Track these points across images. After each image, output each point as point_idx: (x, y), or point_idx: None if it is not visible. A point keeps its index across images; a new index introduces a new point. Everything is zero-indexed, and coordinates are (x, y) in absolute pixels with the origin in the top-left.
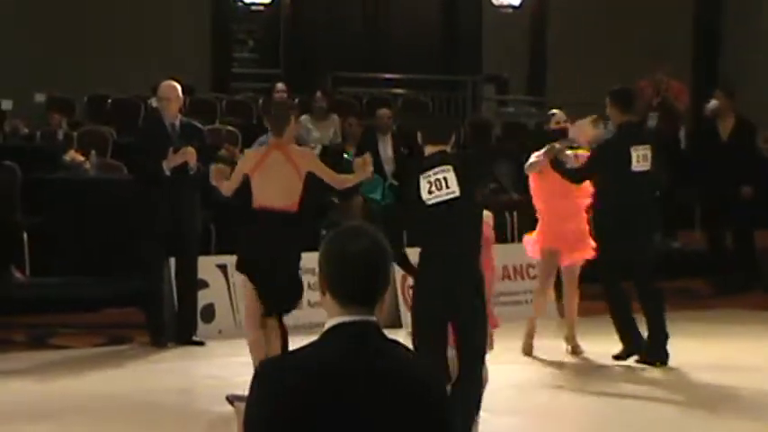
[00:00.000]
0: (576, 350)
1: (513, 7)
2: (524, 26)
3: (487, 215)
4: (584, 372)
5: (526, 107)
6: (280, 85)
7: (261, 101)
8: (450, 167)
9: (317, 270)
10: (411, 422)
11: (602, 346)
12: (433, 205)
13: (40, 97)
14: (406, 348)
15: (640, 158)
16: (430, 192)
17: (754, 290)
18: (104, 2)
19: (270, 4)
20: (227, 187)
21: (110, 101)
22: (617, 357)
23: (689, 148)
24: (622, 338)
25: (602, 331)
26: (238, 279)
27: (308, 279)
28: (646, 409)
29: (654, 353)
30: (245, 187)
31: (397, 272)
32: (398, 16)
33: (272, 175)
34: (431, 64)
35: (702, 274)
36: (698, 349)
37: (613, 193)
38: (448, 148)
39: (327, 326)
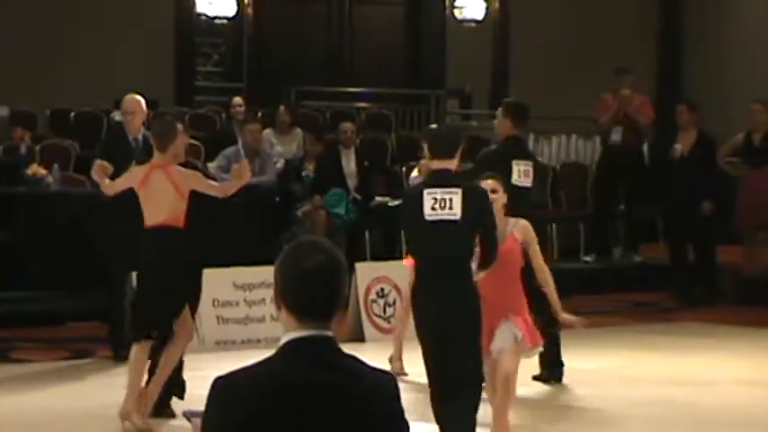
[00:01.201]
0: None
1: (476, 21)
2: (487, 40)
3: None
4: (548, 387)
5: (489, 121)
6: (237, 100)
7: (224, 114)
8: (458, 191)
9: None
10: None
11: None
12: (432, 222)
13: (2, 111)
14: (362, 362)
15: (522, 173)
16: (432, 208)
17: (716, 303)
18: (68, 15)
19: (233, 17)
20: (108, 186)
21: (72, 114)
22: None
23: (651, 161)
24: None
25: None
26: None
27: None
28: (612, 422)
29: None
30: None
31: (360, 286)
32: (362, 30)
33: (155, 193)
34: (394, 78)
35: (665, 287)
36: (662, 362)
37: None
38: (454, 164)
39: (283, 340)
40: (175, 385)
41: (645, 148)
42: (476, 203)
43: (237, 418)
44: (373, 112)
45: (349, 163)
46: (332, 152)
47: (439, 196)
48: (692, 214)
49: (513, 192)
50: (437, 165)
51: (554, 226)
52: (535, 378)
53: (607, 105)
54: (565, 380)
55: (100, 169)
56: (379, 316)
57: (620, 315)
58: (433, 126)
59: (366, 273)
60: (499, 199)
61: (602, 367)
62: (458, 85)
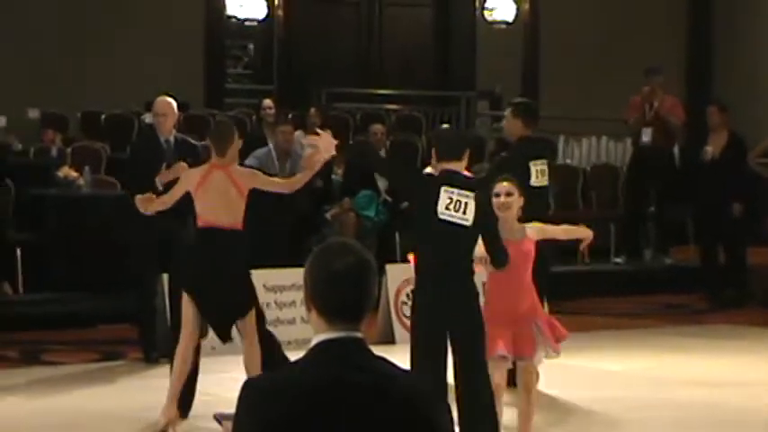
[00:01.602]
0: None
1: (507, 23)
2: (517, 42)
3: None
4: (571, 385)
5: None
6: (267, 102)
7: (254, 116)
8: (473, 196)
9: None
10: None
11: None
12: (443, 221)
13: (33, 113)
14: (392, 365)
15: (539, 174)
16: (447, 207)
17: (747, 305)
18: (99, 17)
19: (263, 20)
20: (161, 203)
21: (103, 117)
22: None
23: (682, 163)
24: None
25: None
26: (184, 297)
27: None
28: (640, 424)
29: None
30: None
31: (391, 288)
32: (392, 32)
33: (216, 194)
34: (424, 80)
35: (695, 289)
36: (690, 364)
37: None
38: (462, 166)
39: (313, 342)
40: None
41: (676, 149)
42: (482, 208)
43: (267, 420)
44: (403, 114)
45: None
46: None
47: (455, 197)
48: (723, 216)
49: (532, 193)
50: (445, 167)
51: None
52: None
53: (637, 107)
54: (594, 381)
55: (145, 202)
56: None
57: (650, 317)
58: (443, 127)
59: (396, 274)
60: (515, 202)
61: (630, 369)
62: (488, 87)
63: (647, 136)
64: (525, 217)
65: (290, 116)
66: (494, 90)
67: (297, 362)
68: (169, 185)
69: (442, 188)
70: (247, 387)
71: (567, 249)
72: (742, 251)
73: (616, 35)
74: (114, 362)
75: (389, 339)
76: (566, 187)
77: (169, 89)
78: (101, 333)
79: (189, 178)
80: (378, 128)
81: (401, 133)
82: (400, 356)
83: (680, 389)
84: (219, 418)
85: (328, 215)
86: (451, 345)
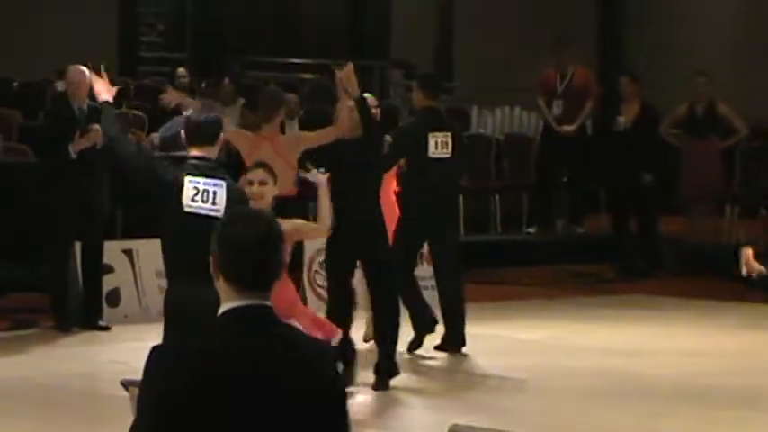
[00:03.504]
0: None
1: None
2: (432, 11)
3: None
4: (484, 354)
5: None
6: (181, 70)
7: (168, 85)
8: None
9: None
10: (304, 406)
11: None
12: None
13: None
14: (299, 331)
15: (439, 145)
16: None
17: (658, 275)
18: None
19: None
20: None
21: (15, 84)
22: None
23: (594, 133)
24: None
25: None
26: None
27: None
28: (554, 392)
29: (453, 341)
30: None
31: (306, 257)
32: (307, 1)
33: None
34: (339, 49)
35: (607, 258)
36: (604, 333)
37: (412, 179)
38: (214, 151)
39: (221, 310)
40: None
41: (588, 120)
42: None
43: (173, 386)
44: (318, 83)
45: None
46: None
47: (201, 187)
48: (635, 186)
49: (431, 164)
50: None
51: (497, 197)
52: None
53: (549, 79)
54: (506, 349)
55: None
56: (321, 286)
57: (562, 287)
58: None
59: (310, 244)
60: (269, 191)
61: (542, 338)
62: (402, 56)
63: (558, 108)
64: (427, 189)
65: (203, 85)
66: (408, 59)
67: (204, 329)
68: (83, 152)
69: (186, 178)
70: (154, 353)
71: (480, 219)
72: (653, 221)
73: (530, 4)
74: (26, 330)
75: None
76: (478, 157)
77: (82, 56)
78: (12, 301)
79: (241, 142)
80: (291, 97)
81: (315, 103)
82: None
83: (592, 357)
84: (126, 384)
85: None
86: None
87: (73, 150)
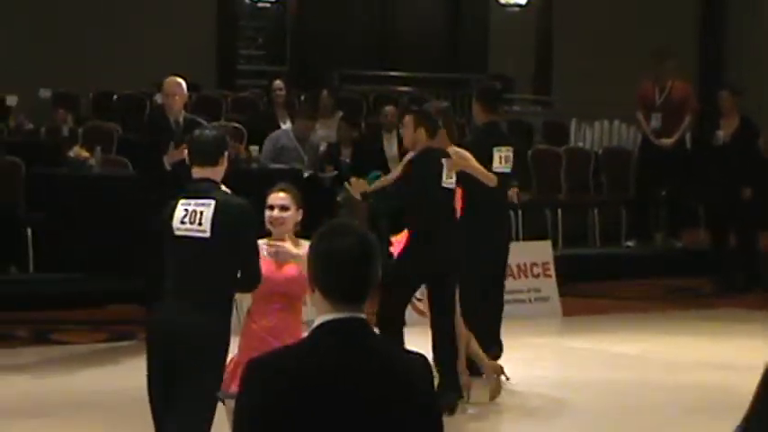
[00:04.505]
0: None
1: (520, 6)
2: (530, 25)
3: None
4: (582, 368)
5: (532, 106)
6: (277, 83)
7: (265, 98)
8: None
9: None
10: (399, 420)
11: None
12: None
13: (45, 93)
14: (394, 345)
15: (502, 160)
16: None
17: (757, 289)
18: None
19: (276, 1)
20: None
21: (115, 97)
22: None
23: (693, 147)
24: None
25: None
26: None
27: None
28: (652, 408)
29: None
30: None
31: None
32: (405, 14)
33: None
34: (437, 62)
35: (706, 272)
36: (702, 348)
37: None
38: (218, 172)
39: (316, 323)
40: None
41: (687, 135)
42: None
43: (270, 401)
44: (416, 96)
45: (391, 147)
46: (373, 136)
47: (191, 208)
48: (734, 200)
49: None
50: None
51: (596, 211)
52: None
53: (647, 91)
54: (603, 364)
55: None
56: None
57: (660, 300)
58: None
59: None
60: (291, 218)
61: (642, 352)
62: (500, 70)
63: (656, 121)
64: (491, 205)
65: (302, 98)
66: (505, 73)
67: (301, 342)
68: (177, 166)
69: (180, 201)
70: (251, 366)
71: (579, 233)
72: (753, 235)
73: (628, 17)
74: (123, 342)
75: None
76: (577, 171)
77: (181, 70)
78: (110, 313)
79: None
80: (389, 109)
81: None
82: (407, 337)
83: (692, 372)
84: (223, 398)
85: (339, 198)
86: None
87: (167, 162)
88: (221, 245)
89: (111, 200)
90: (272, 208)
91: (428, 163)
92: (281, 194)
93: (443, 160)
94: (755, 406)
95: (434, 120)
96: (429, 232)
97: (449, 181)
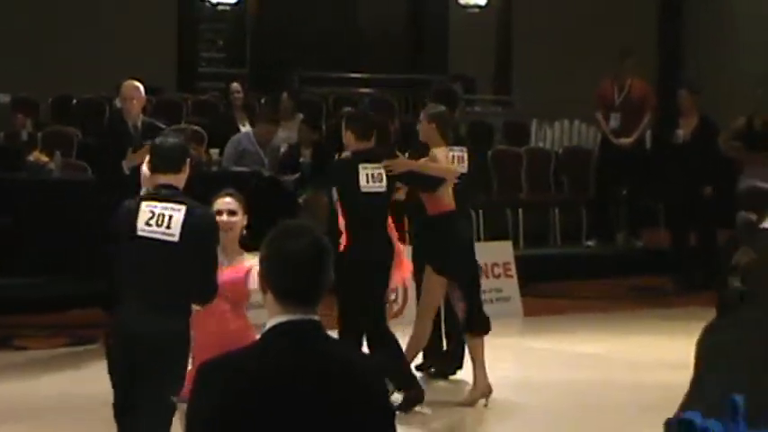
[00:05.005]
0: None
1: (479, 6)
2: (490, 25)
3: None
4: (543, 368)
5: (493, 107)
6: (235, 86)
7: (225, 101)
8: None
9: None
10: (360, 423)
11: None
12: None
13: (3, 98)
14: (348, 347)
15: (456, 160)
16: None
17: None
18: (72, 1)
19: (236, 3)
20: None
21: (74, 101)
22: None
23: (653, 146)
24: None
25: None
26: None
27: None
28: (614, 407)
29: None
30: None
31: None
32: (365, 15)
33: None
34: (397, 63)
35: (666, 271)
36: (663, 347)
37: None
38: (180, 179)
39: (268, 325)
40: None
41: (647, 134)
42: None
43: (229, 401)
44: (376, 97)
45: None
46: (335, 138)
47: (158, 211)
48: (694, 199)
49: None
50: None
51: (556, 211)
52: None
53: (606, 91)
54: (565, 364)
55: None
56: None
57: (621, 300)
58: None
59: None
60: (238, 223)
61: (604, 352)
62: (460, 71)
63: (615, 121)
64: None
65: (262, 101)
66: (466, 74)
67: (252, 345)
68: (135, 170)
69: (143, 203)
70: (202, 369)
71: (540, 233)
72: (713, 234)
73: (588, 18)
74: (85, 346)
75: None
76: (538, 171)
77: (141, 73)
78: (71, 317)
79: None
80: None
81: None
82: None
83: (653, 371)
84: (177, 401)
85: (300, 200)
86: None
87: (126, 166)
88: (187, 250)
89: (72, 204)
90: (220, 213)
91: (342, 168)
92: (228, 199)
93: (377, 165)
94: (695, 380)
95: (366, 122)
96: (354, 234)
97: (372, 185)
